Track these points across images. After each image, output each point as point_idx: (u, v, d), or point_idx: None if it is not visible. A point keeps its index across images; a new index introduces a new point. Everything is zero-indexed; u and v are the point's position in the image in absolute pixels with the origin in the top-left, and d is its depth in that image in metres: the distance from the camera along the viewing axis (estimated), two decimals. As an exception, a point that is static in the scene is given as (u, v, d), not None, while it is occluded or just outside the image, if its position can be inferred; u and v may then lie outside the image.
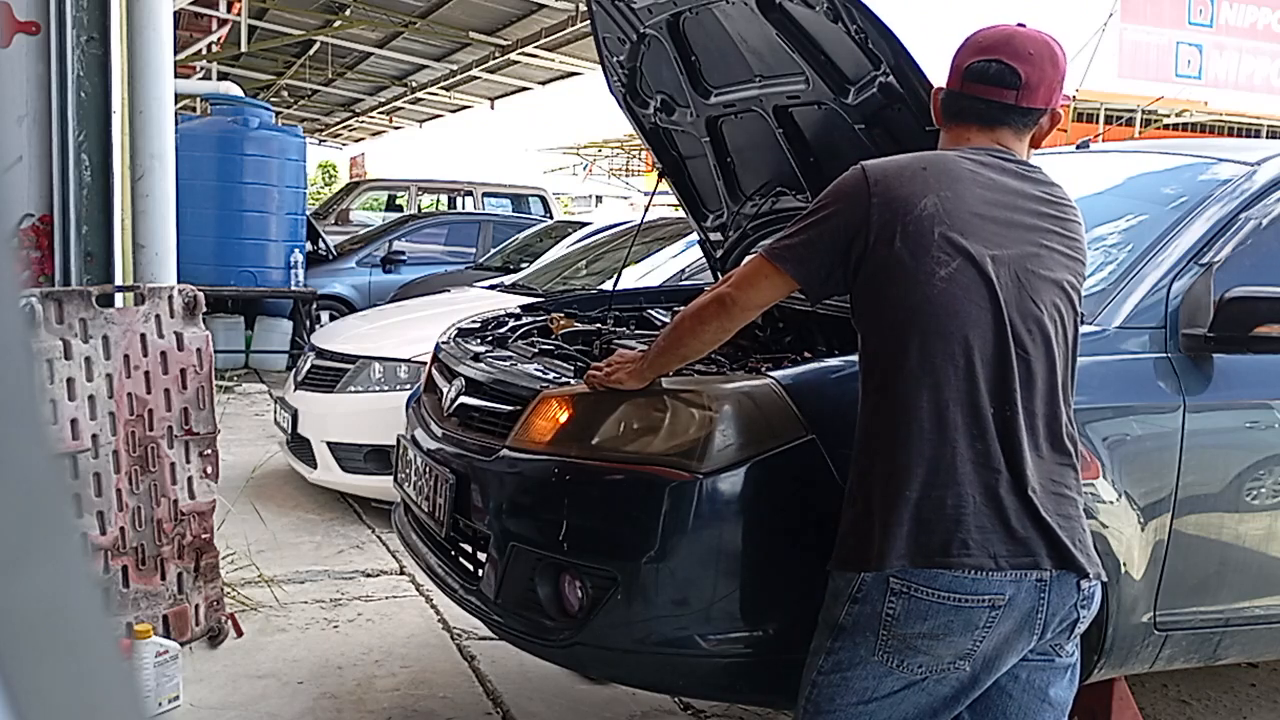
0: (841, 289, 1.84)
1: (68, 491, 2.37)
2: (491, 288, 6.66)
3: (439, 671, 3.25)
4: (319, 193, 28.53)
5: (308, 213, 9.91)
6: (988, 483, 1.70)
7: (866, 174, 1.79)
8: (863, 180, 1.79)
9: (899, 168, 1.81)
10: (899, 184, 1.77)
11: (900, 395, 1.74)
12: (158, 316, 3.29)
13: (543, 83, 16.52)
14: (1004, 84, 1.84)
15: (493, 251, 9.99)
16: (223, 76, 16.14)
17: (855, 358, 2.22)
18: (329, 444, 4.89)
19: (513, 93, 17.72)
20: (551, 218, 12.91)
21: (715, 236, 3.61)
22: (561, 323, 3.20)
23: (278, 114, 14.65)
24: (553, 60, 14.35)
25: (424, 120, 23.08)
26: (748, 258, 1.91)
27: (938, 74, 2.30)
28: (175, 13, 6.54)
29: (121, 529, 3.17)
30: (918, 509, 1.70)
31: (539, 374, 2.56)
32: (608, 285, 3.84)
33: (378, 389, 4.92)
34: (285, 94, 20.18)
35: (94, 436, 3.11)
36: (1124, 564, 2.33)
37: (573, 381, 2.45)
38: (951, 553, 1.68)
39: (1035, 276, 1.76)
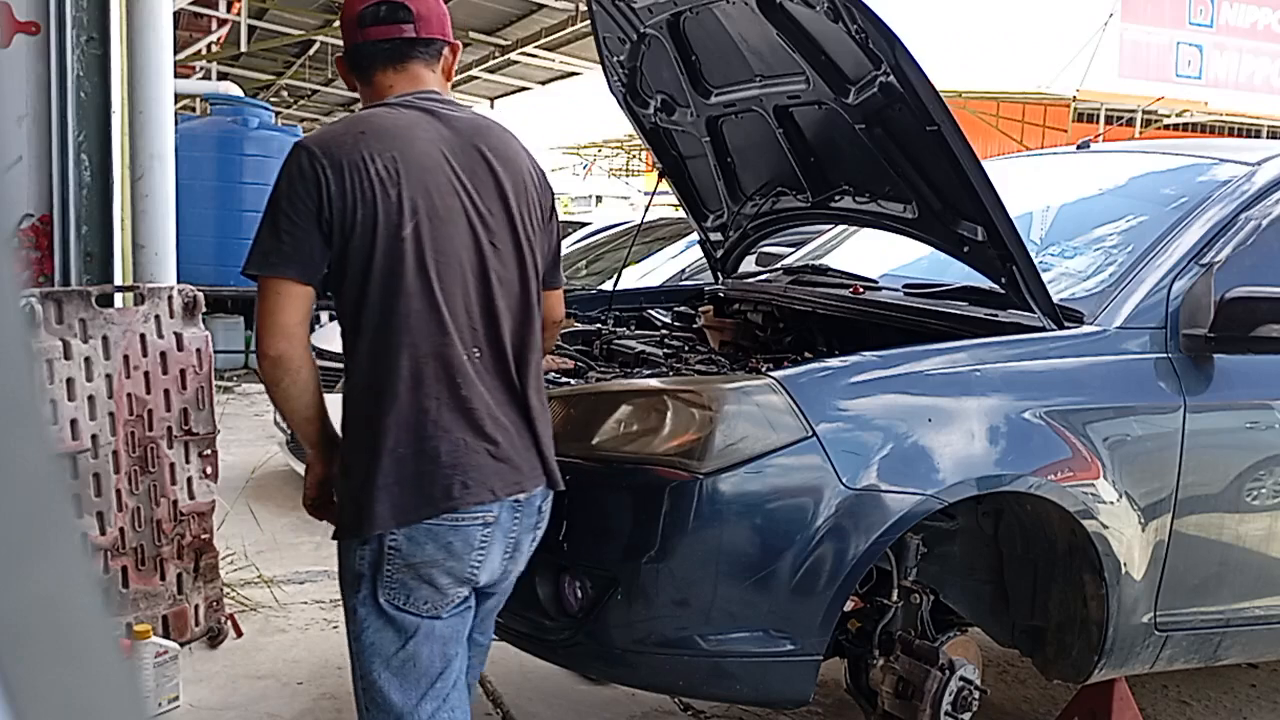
0: (332, 262, 1.80)
1: (68, 491, 2.36)
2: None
3: (439, 672, 3.25)
4: (319, 193, 28.44)
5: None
6: (471, 423, 1.75)
7: (309, 150, 1.79)
8: (308, 158, 1.77)
9: (337, 136, 1.83)
10: (343, 152, 1.77)
11: (375, 354, 1.76)
12: (157, 317, 3.28)
13: (543, 83, 16.51)
14: (398, 20, 1.90)
15: (493, 251, 9.98)
16: (222, 76, 16.14)
17: (857, 358, 2.23)
18: (329, 444, 4.87)
19: (513, 93, 17.72)
20: (551, 218, 12.89)
21: (715, 236, 3.61)
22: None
23: (278, 114, 14.64)
24: (553, 60, 14.34)
25: (424, 120, 23.04)
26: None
27: (938, 74, 2.30)
28: (175, 13, 6.53)
29: (121, 529, 3.17)
30: (408, 464, 1.73)
31: (539, 374, 2.56)
32: (608, 285, 3.84)
33: (378, 389, 4.91)
34: (285, 94, 20.16)
35: (94, 437, 3.11)
36: (1124, 564, 2.33)
37: (572, 382, 2.45)
38: (454, 495, 1.74)
39: (490, 217, 1.84)
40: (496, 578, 1.88)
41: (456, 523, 1.75)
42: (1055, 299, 2.42)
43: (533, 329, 1.88)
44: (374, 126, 1.83)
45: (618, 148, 26.57)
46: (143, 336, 3.25)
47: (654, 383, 2.34)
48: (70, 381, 3.07)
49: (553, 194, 2.02)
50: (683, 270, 5.41)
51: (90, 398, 3.12)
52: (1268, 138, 17.17)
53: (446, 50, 1.96)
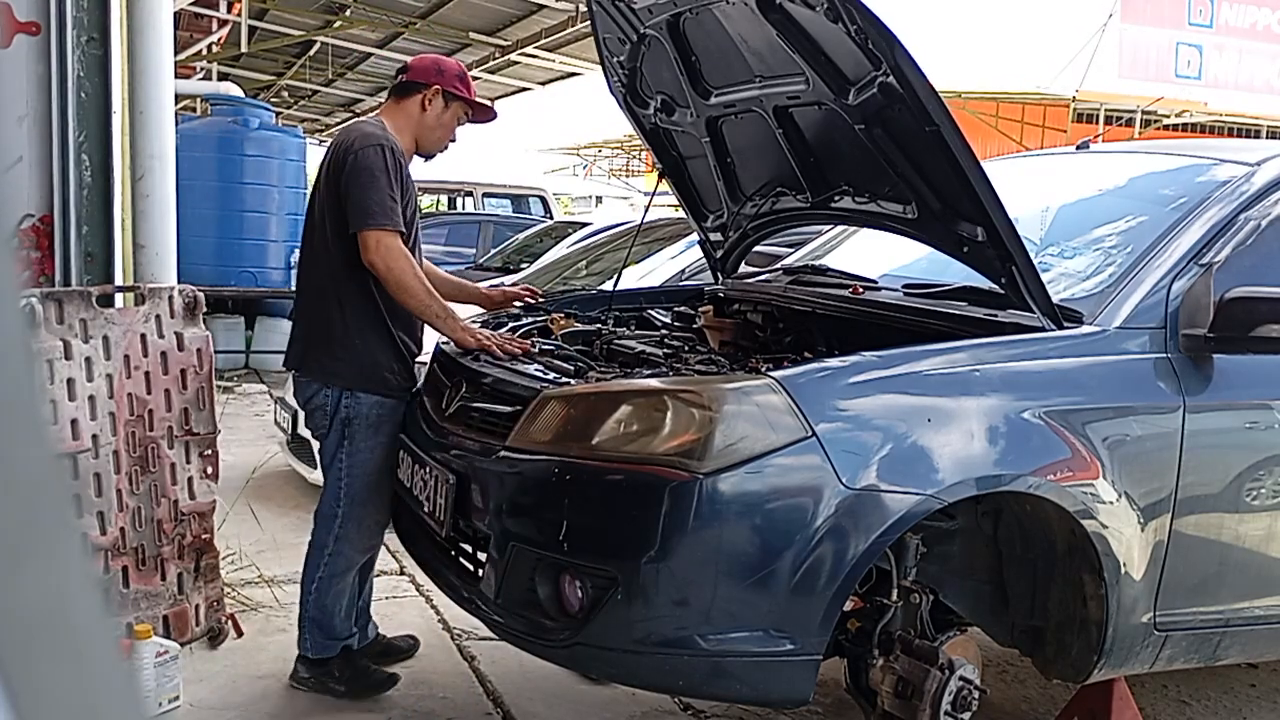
0: None
1: (68, 492, 2.36)
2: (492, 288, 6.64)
3: (439, 671, 3.25)
4: (319, 193, 28.39)
5: (308, 213, 9.90)
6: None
7: None
8: None
9: None
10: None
11: None
12: (158, 317, 3.29)
13: (543, 83, 16.52)
14: (399, 72, 3.08)
15: (493, 252, 9.98)
16: (223, 77, 16.15)
17: (856, 358, 2.23)
18: (329, 444, 4.87)
19: (513, 93, 17.72)
20: (551, 218, 12.90)
21: (715, 237, 3.61)
22: (561, 323, 3.20)
23: (278, 114, 14.63)
24: (553, 60, 14.35)
25: (424, 120, 23.02)
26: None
27: (938, 74, 2.31)
28: (175, 13, 6.53)
29: (121, 529, 3.17)
30: None
31: (539, 374, 2.56)
32: (608, 285, 3.84)
33: (378, 389, 4.89)
34: (285, 94, 20.17)
35: (94, 437, 3.11)
36: (1124, 564, 2.33)
37: (573, 381, 2.45)
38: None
39: (317, 204, 2.90)
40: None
41: None
42: (1055, 299, 2.42)
43: (314, 271, 2.95)
44: None
45: (618, 148, 26.57)
46: (143, 336, 3.25)
47: (654, 383, 2.34)
48: (71, 381, 3.08)
49: (346, 160, 2.80)
50: (683, 270, 5.40)
51: (91, 398, 3.12)
52: (1268, 138, 17.16)
53: (426, 89, 2.97)
